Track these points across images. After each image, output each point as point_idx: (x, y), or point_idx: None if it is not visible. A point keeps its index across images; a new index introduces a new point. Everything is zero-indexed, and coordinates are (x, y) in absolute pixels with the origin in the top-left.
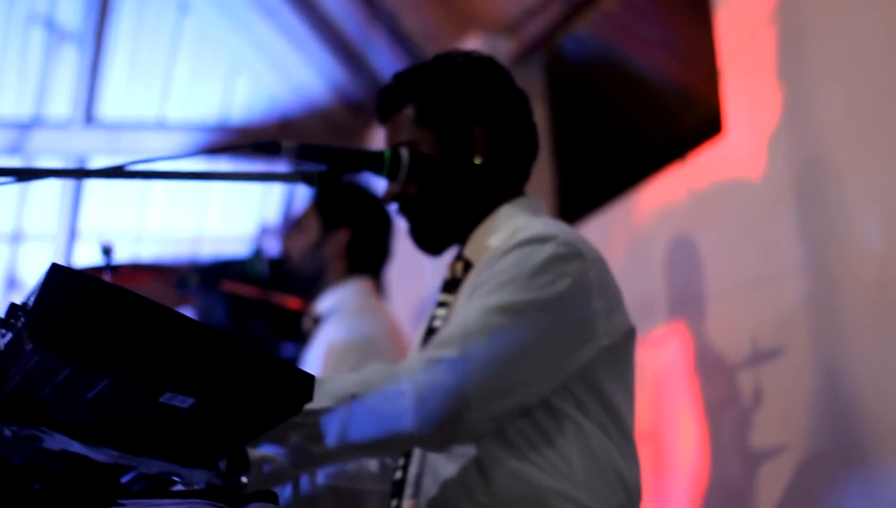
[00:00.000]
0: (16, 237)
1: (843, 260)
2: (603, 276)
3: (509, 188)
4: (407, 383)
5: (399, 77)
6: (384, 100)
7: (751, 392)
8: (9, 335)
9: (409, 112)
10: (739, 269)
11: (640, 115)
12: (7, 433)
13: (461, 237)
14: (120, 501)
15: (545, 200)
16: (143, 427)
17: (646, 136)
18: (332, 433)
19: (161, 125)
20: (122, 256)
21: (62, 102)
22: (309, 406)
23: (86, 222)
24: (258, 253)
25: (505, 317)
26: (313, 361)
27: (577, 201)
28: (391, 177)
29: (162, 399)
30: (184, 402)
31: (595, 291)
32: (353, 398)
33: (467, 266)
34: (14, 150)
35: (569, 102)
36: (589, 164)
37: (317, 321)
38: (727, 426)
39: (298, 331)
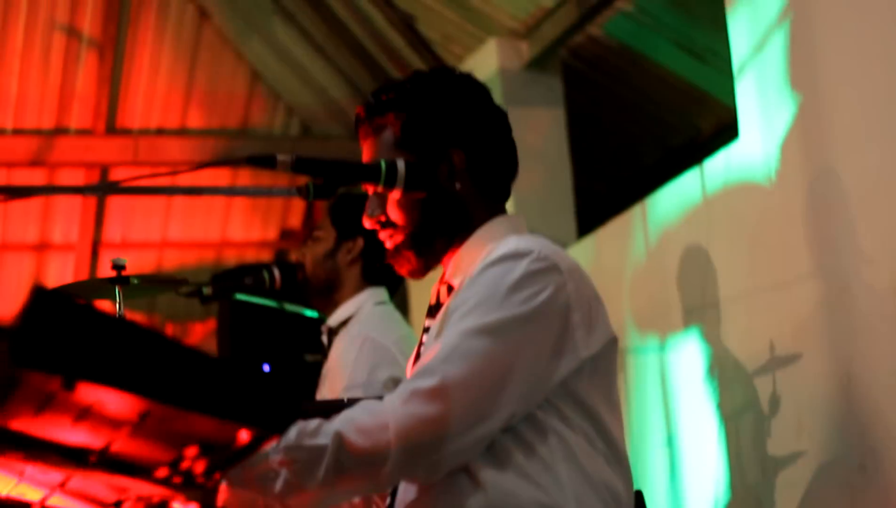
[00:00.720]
0: (40, 247)
1: (856, 265)
2: (581, 287)
3: (489, 209)
4: (387, 416)
5: (379, 96)
6: (364, 118)
7: (768, 398)
8: None
9: (388, 134)
10: (754, 275)
11: (658, 118)
12: None
13: (442, 260)
14: None
15: (563, 204)
16: (135, 449)
17: (664, 139)
18: (320, 471)
19: (183, 133)
20: (144, 264)
21: (84, 110)
22: (298, 443)
23: (109, 231)
24: (278, 261)
25: (483, 338)
26: (331, 373)
27: (595, 206)
28: (388, 186)
29: (146, 419)
30: (171, 423)
31: (573, 303)
32: (339, 435)
33: (450, 289)
34: (36, 159)
35: (586, 106)
36: (607, 168)
37: (332, 333)
38: (745, 433)
39: (320, 343)
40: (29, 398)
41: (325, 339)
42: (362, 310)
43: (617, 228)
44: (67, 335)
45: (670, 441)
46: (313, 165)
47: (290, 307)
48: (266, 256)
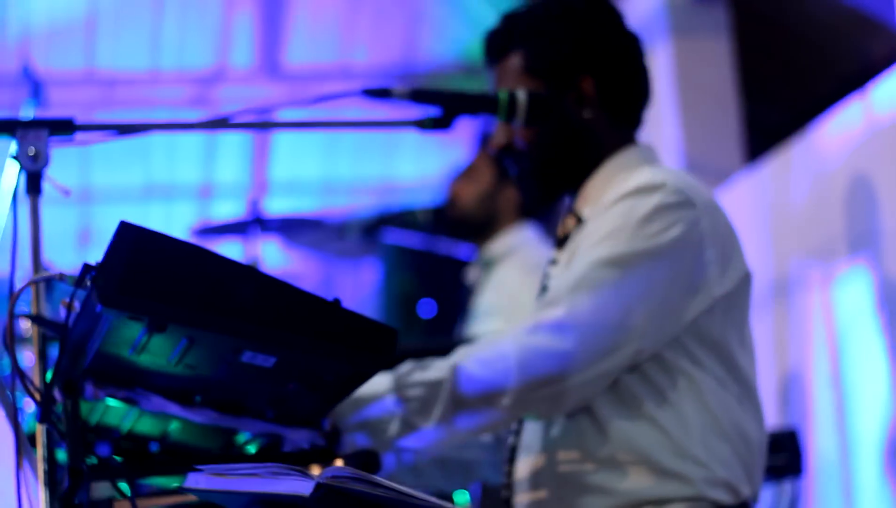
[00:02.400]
0: (206, 189)
1: None
2: (716, 222)
3: (621, 138)
4: (510, 347)
5: (508, 20)
6: (492, 43)
7: None
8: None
9: (516, 60)
10: None
11: (829, 46)
12: (102, 395)
13: (571, 190)
14: (198, 466)
15: (730, 135)
16: (237, 388)
17: (835, 68)
18: (438, 407)
19: (345, 73)
20: (312, 205)
21: (244, 52)
22: (413, 380)
23: (275, 172)
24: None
25: (612, 270)
26: (488, 303)
27: (765, 137)
28: (508, 119)
29: (244, 359)
30: (266, 361)
31: (707, 239)
32: (456, 368)
33: (579, 222)
34: (198, 103)
35: (755, 36)
36: (777, 98)
37: (488, 265)
38: None
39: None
40: (123, 337)
41: (476, 271)
42: (526, 241)
43: (782, 158)
44: (156, 272)
45: (835, 378)
46: (431, 97)
47: (440, 245)
48: (432, 196)
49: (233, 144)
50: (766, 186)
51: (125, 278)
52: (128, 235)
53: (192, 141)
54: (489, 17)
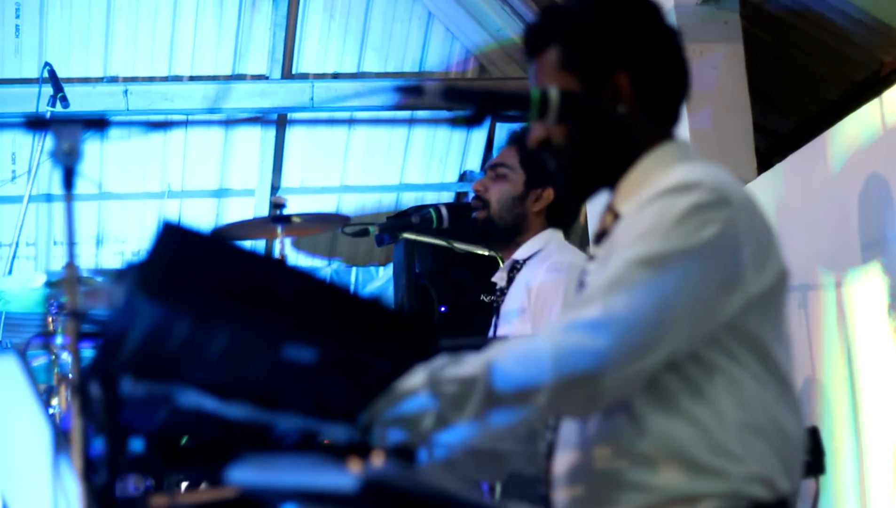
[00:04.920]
0: (219, 193)
1: None
2: (753, 221)
3: (657, 133)
4: (545, 344)
5: (546, 14)
6: (530, 38)
7: None
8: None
9: (552, 55)
10: None
11: (840, 52)
12: (140, 389)
13: (609, 185)
14: (237, 460)
15: (742, 141)
16: (276, 384)
17: (847, 74)
18: (472, 403)
19: (359, 77)
20: (323, 209)
21: (259, 57)
22: (448, 376)
23: (288, 176)
24: (459, 200)
25: (647, 270)
26: (517, 305)
27: (776, 143)
28: (540, 117)
29: (283, 355)
30: (306, 356)
31: (744, 237)
32: (491, 364)
33: (616, 217)
34: (214, 107)
35: (766, 42)
36: (789, 104)
37: (514, 269)
38: None
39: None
40: (162, 333)
41: (502, 276)
42: (551, 244)
43: (796, 163)
44: (198, 268)
45: (851, 379)
46: (463, 94)
47: (458, 246)
48: (445, 198)
49: (248, 145)
50: (781, 190)
51: (168, 274)
52: (170, 233)
53: (207, 143)
54: (507, 24)
